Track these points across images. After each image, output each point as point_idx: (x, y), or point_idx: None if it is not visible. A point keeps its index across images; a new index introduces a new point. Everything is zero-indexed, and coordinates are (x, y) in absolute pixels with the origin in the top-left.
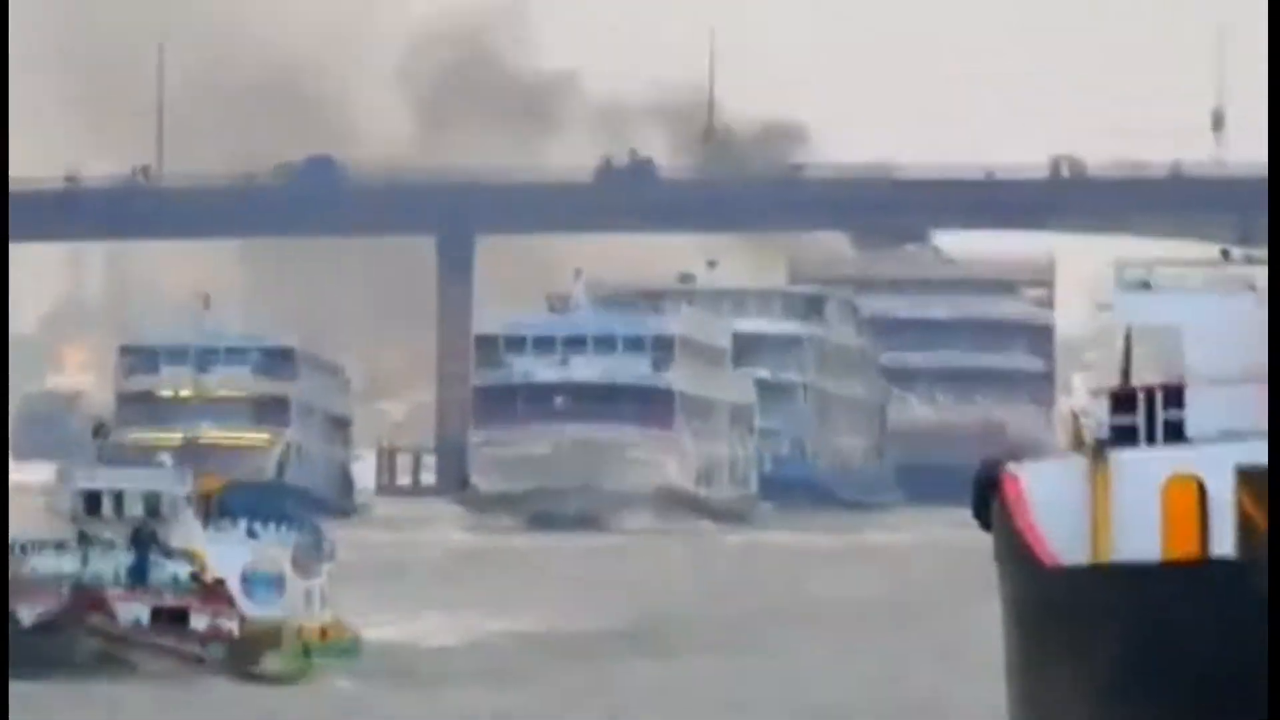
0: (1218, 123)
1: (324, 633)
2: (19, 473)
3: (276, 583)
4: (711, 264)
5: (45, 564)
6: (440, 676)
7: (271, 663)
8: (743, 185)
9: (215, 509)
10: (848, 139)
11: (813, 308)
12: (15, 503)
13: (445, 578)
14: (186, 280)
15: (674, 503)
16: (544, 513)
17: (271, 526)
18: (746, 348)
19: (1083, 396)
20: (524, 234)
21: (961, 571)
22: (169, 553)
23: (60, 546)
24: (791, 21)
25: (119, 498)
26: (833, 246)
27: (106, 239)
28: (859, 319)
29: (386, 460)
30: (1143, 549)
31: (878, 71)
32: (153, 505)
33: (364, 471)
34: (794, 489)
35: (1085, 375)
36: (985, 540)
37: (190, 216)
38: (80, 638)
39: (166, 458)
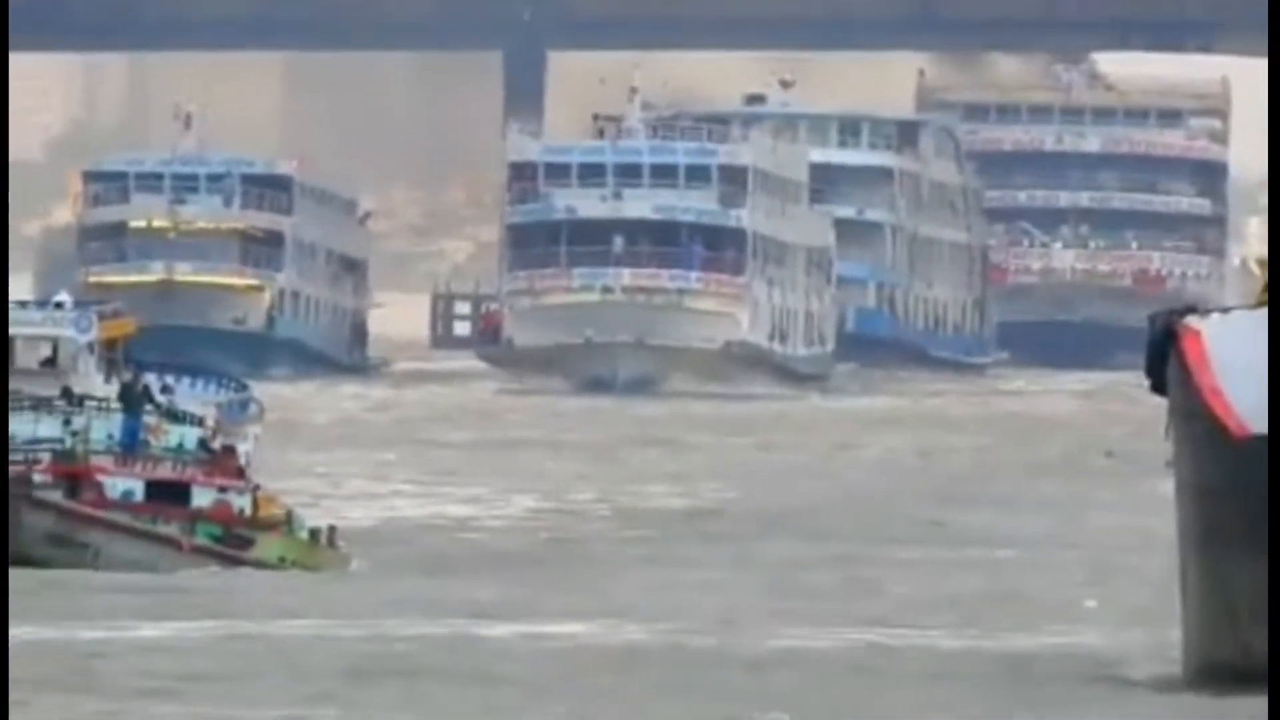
0: None
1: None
2: None
3: None
4: (786, 84)
5: (21, 429)
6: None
7: (267, 548)
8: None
9: (122, 360)
10: None
11: (905, 136)
12: None
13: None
14: (218, 99)
15: (745, 363)
16: (591, 374)
17: (187, 382)
18: (826, 181)
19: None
20: (605, 50)
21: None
22: (174, 415)
23: (37, 407)
24: None
25: (6, 344)
26: (967, 67)
27: (118, 50)
28: (960, 152)
29: (443, 308)
30: None
31: None
32: (48, 355)
33: (419, 320)
34: (879, 347)
35: (1260, 221)
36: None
37: (222, 27)
38: (25, 516)
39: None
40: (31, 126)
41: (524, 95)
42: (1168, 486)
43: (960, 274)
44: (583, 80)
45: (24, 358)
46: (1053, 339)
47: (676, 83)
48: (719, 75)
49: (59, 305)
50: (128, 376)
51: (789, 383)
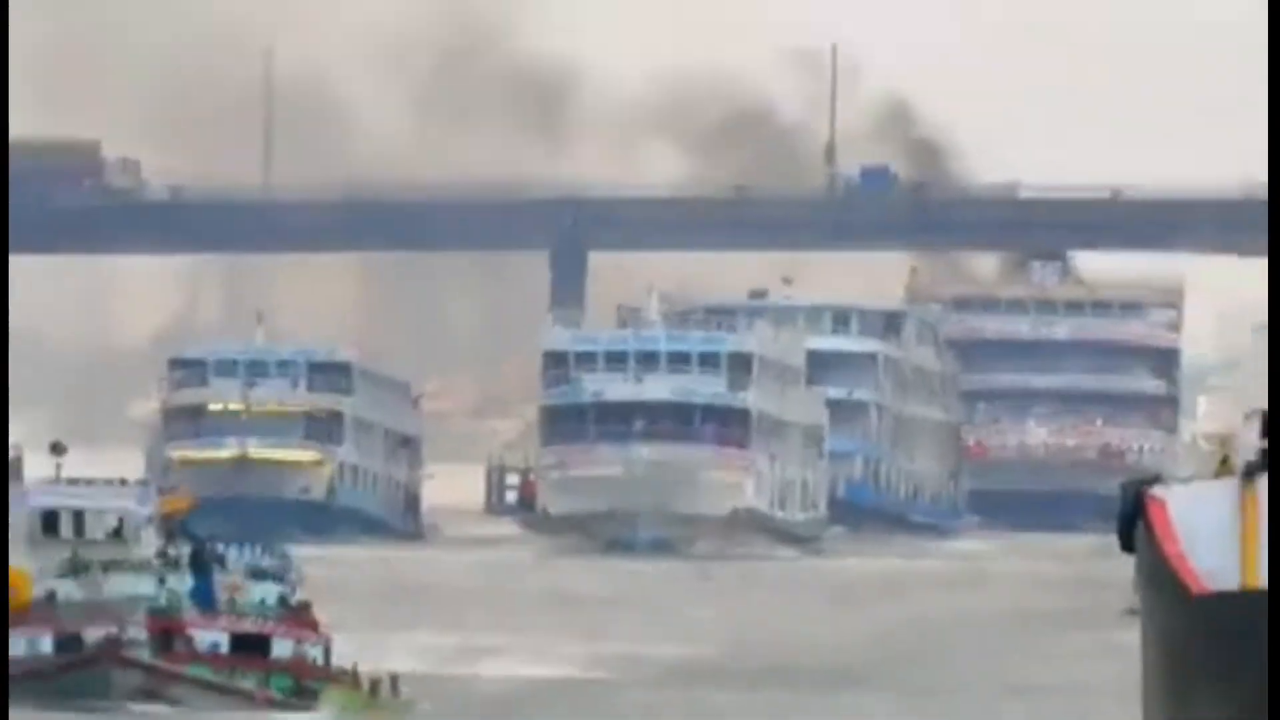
0: None
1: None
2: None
3: None
4: (787, 280)
5: (122, 586)
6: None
7: (333, 699)
8: (873, 206)
9: (178, 531)
10: (971, 157)
11: (890, 326)
12: None
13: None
14: (300, 296)
15: (751, 527)
16: (616, 537)
17: (234, 550)
18: (819, 366)
19: (1223, 419)
20: (637, 250)
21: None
22: (257, 572)
23: (138, 567)
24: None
25: (79, 517)
26: (953, 265)
27: (210, 251)
28: (939, 340)
29: (496, 479)
30: None
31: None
32: (114, 525)
33: (474, 491)
34: (865, 513)
35: (1211, 399)
36: (1066, 571)
37: (300, 229)
38: (115, 670)
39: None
40: (144, 321)
41: (568, 290)
42: (1127, 636)
43: (937, 448)
44: (615, 276)
45: (93, 528)
46: (1024, 507)
47: (690, 279)
48: (727, 272)
49: (123, 482)
50: (185, 547)
51: (787, 544)
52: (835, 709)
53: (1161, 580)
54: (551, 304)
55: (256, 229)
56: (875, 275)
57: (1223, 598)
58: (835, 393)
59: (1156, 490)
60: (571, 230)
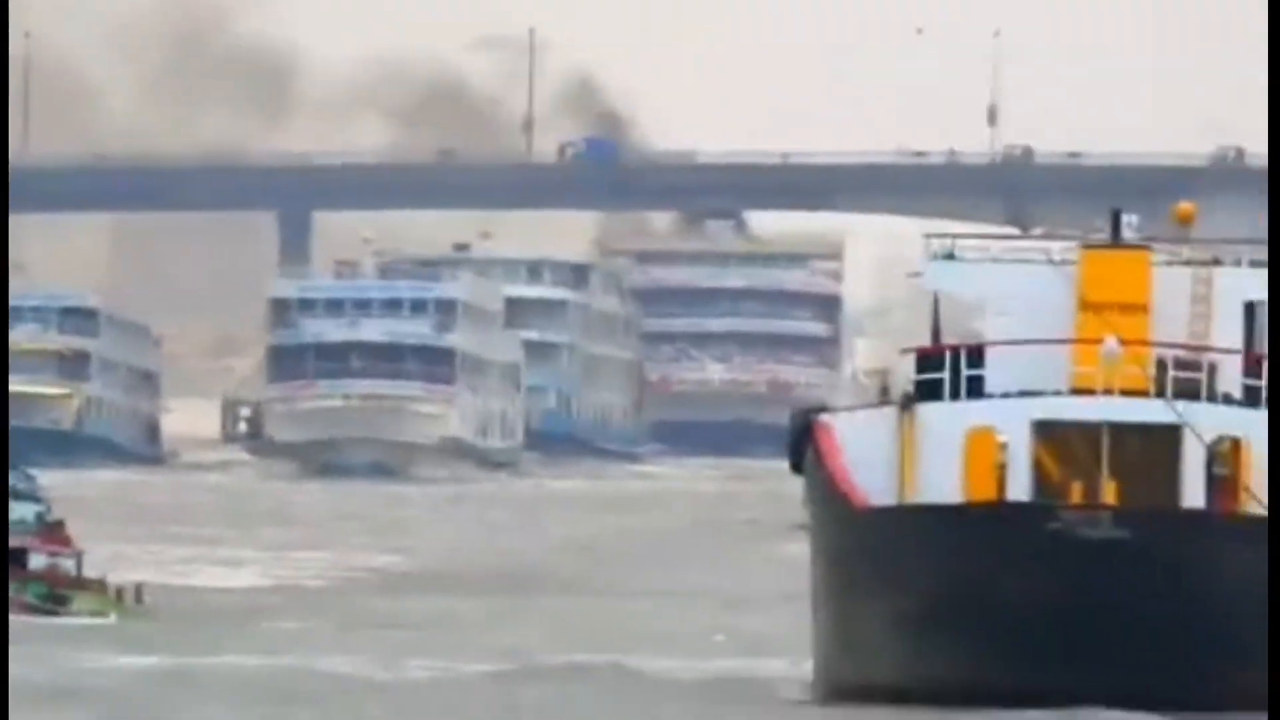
0: (991, 117)
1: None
2: None
3: None
4: (485, 235)
5: None
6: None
7: (84, 604)
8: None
9: None
10: (656, 125)
11: (579, 276)
12: None
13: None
14: (55, 252)
15: (456, 453)
16: (335, 462)
17: None
18: (517, 311)
19: (880, 357)
20: (360, 210)
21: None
22: (16, 494)
23: None
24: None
25: None
26: (640, 221)
27: None
28: (623, 288)
29: (230, 410)
30: (945, 493)
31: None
32: None
33: (214, 422)
34: (558, 440)
35: (866, 341)
36: (721, 487)
37: (57, 192)
38: None
39: None
40: None
41: (296, 246)
42: (794, 547)
43: (623, 383)
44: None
45: None
46: (702, 434)
47: (400, 234)
48: (435, 228)
49: None
50: None
51: (489, 468)
52: (526, 610)
53: (828, 497)
54: (280, 259)
55: (18, 191)
56: (564, 231)
57: (882, 512)
58: (531, 335)
59: (824, 417)
60: (296, 193)
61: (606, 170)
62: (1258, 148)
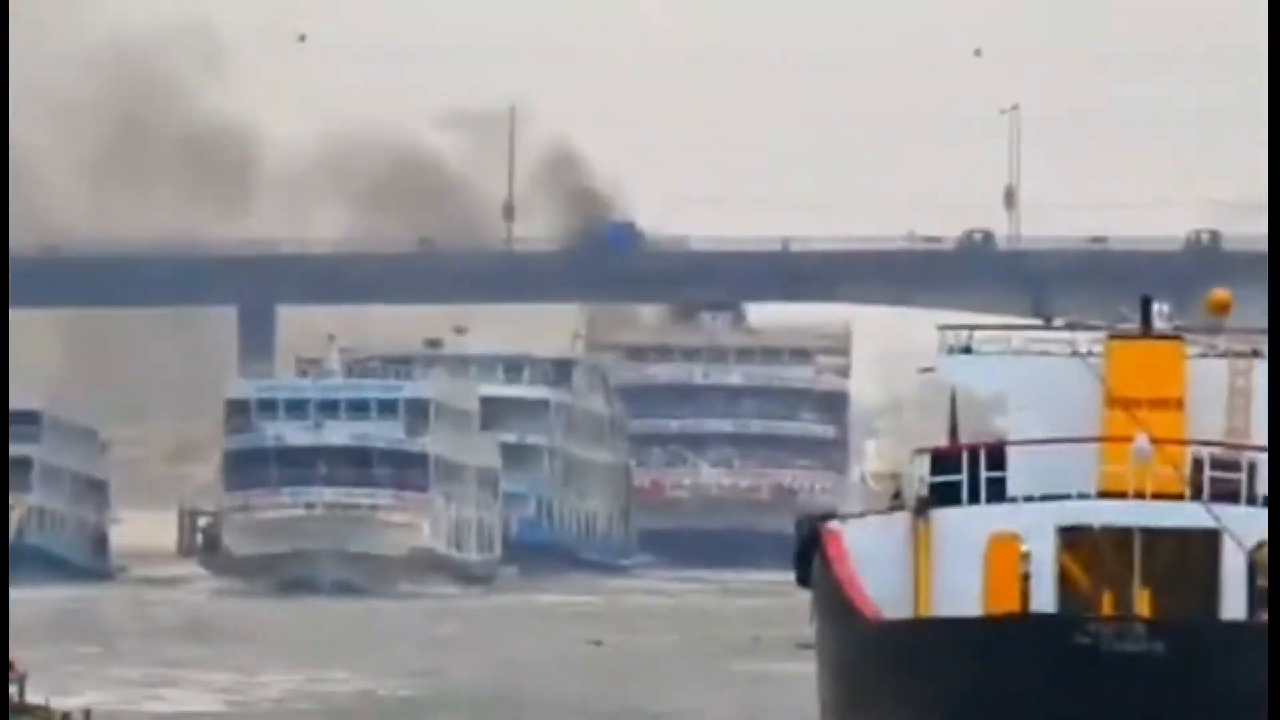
0: (1009, 199)
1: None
2: None
3: None
4: (460, 330)
5: None
6: None
7: None
8: (551, 257)
9: None
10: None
11: (561, 373)
12: None
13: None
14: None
15: (428, 566)
16: (299, 577)
17: None
18: (493, 411)
19: (890, 459)
20: (326, 304)
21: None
22: None
23: None
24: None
25: None
26: (629, 314)
27: None
28: (609, 386)
29: (188, 522)
30: (964, 605)
31: (675, 146)
32: None
33: (169, 533)
34: (538, 552)
35: (878, 440)
36: (718, 603)
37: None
38: None
39: None
40: None
41: (256, 341)
42: (800, 665)
43: (608, 488)
44: (301, 328)
45: None
46: (697, 545)
47: (369, 329)
48: (405, 322)
49: None
50: None
51: (464, 582)
52: None
53: (838, 610)
54: (240, 356)
55: None
56: (545, 325)
57: (896, 626)
58: (508, 437)
59: (832, 524)
60: (258, 285)
61: (605, 258)
62: None
